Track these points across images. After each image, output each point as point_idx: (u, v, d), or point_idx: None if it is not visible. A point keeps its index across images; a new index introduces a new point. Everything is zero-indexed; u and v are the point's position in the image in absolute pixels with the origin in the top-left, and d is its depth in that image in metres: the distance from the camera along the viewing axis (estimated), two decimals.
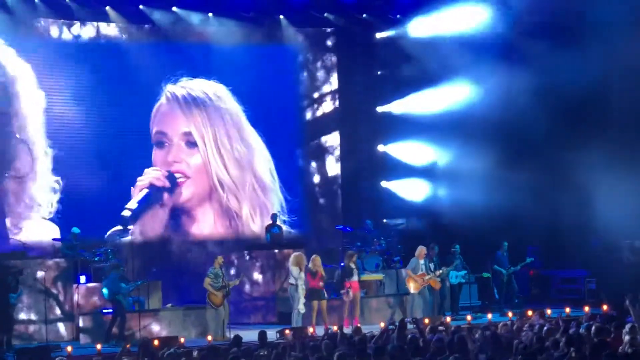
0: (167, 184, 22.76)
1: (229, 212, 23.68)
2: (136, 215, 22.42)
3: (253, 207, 23.90)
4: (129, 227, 22.20)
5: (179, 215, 23.15)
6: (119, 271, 18.93)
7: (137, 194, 22.53)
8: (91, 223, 21.59)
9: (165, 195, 22.86)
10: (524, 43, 22.41)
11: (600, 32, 21.08)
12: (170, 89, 23.10)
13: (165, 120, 22.98)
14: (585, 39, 21.40)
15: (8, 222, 21.58)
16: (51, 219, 21.99)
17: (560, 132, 22.43)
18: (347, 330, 15.68)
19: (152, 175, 22.57)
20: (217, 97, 23.51)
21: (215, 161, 23.25)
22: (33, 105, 21.96)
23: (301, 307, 19.11)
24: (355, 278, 20.01)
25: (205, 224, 23.56)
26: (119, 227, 22.29)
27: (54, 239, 21.21)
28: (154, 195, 22.62)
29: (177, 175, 22.91)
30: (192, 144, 23.05)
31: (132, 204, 22.38)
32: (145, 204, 22.52)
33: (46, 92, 22.10)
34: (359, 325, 17.49)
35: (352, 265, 19.98)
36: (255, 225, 23.79)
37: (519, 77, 22.14)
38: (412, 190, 25.17)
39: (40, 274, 19.03)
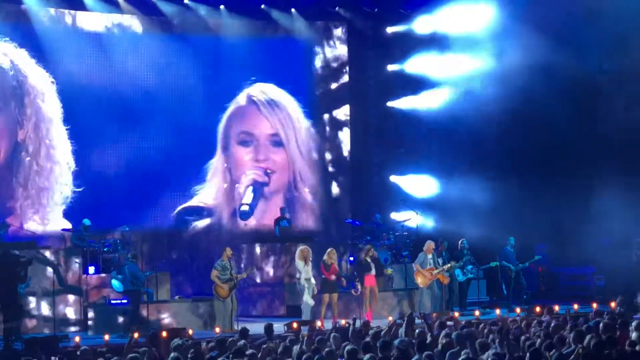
0: (266, 179, 24.37)
1: (301, 203, 24.74)
2: (253, 208, 24.14)
3: (315, 198, 25.02)
4: (247, 221, 24.15)
5: (263, 203, 24.57)
6: (136, 261, 19.02)
7: (246, 190, 24.15)
8: (102, 214, 21.86)
9: (265, 190, 24.45)
10: (531, 40, 22.35)
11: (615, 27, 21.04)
12: (249, 91, 24.36)
13: (250, 122, 24.49)
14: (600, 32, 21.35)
15: (18, 208, 21.83)
16: (64, 210, 22.27)
17: (571, 128, 22.38)
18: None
19: (254, 173, 24.26)
20: (287, 101, 24.76)
21: (298, 159, 24.77)
22: (47, 96, 22.22)
23: (307, 300, 19.15)
24: (372, 272, 20.03)
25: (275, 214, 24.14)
26: (192, 204, 23.58)
27: (64, 230, 21.31)
28: (258, 190, 24.23)
29: (268, 171, 24.48)
30: (277, 143, 24.57)
31: (247, 199, 24.11)
32: (256, 198, 24.18)
33: (57, 81, 22.27)
34: (368, 319, 17.53)
35: (368, 259, 19.98)
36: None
37: (528, 72, 22.09)
38: (419, 186, 25.14)
39: (49, 264, 19.11)
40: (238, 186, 24.14)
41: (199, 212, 23.80)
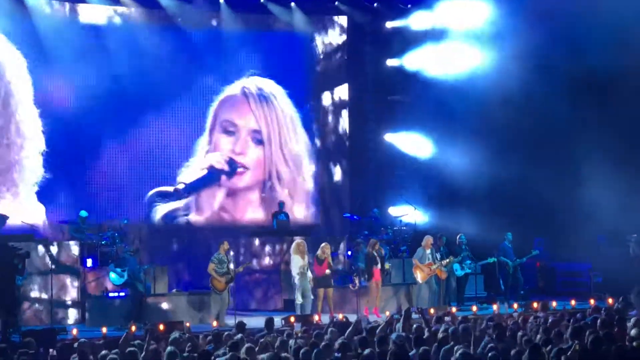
0: (226, 168, 24.17)
1: (274, 201, 24.33)
2: (189, 190, 23.82)
3: (299, 199, 24.83)
4: (182, 199, 23.78)
5: (231, 198, 24.39)
6: (135, 256, 19.06)
7: (197, 173, 23.89)
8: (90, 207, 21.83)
9: (223, 178, 24.21)
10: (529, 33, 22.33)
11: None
12: (244, 83, 24.33)
13: (238, 112, 24.42)
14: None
15: None
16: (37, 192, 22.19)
17: (570, 123, 22.36)
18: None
19: (214, 159, 24.04)
20: (281, 98, 24.68)
21: (277, 157, 24.62)
22: (24, 84, 22.15)
23: (298, 298, 19.16)
24: (379, 266, 20.04)
25: (250, 209, 24.35)
26: (163, 189, 23.45)
27: (62, 222, 21.31)
28: (213, 177, 24.06)
29: (238, 164, 24.29)
30: (258, 140, 24.49)
31: (189, 179, 23.84)
32: (202, 183, 23.94)
33: (38, 71, 22.15)
34: (366, 314, 17.57)
35: (375, 253, 19.99)
36: (300, 213, 24.67)
37: (526, 65, 22.07)
38: (418, 181, 25.13)
39: (47, 256, 19.13)
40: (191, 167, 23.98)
41: (170, 195, 23.62)
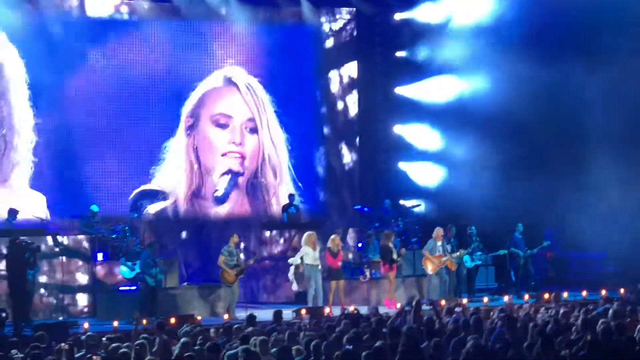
0: (241, 169, 24.07)
1: (267, 189, 24.33)
2: (227, 195, 23.80)
3: (287, 185, 24.61)
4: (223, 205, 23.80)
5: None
6: (148, 249, 19.11)
7: (222, 177, 23.80)
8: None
9: (240, 179, 24.11)
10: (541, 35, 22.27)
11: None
12: (225, 73, 24.02)
13: (229, 104, 24.11)
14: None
15: None
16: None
17: (582, 111, 22.29)
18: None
19: (230, 162, 23.94)
20: (257, 86, 24.40)
21: (269, 144, 24.41)
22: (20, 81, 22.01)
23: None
24: (394, 257, 20.08)
25: (238, 200, 24.17)
26: (147, 187, 23.09)
27: (72, 216, 21.34)
28: (234, 178, 23.98)
29: (235, 156, 24.11)
30: (253, 129, 24.28)
31: (223, 184, 23.81)
32: (233, 184, 23.91)
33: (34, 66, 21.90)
34: (375, 306, 17.57)
35: (390, 245, 20.01)
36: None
37: (536, 65, 22.02)
38: (427, 174, 25.08)
39: (58, 250, 19.17)
40: (212, 171, 23.77)
41: (155, 195, 23.32)
